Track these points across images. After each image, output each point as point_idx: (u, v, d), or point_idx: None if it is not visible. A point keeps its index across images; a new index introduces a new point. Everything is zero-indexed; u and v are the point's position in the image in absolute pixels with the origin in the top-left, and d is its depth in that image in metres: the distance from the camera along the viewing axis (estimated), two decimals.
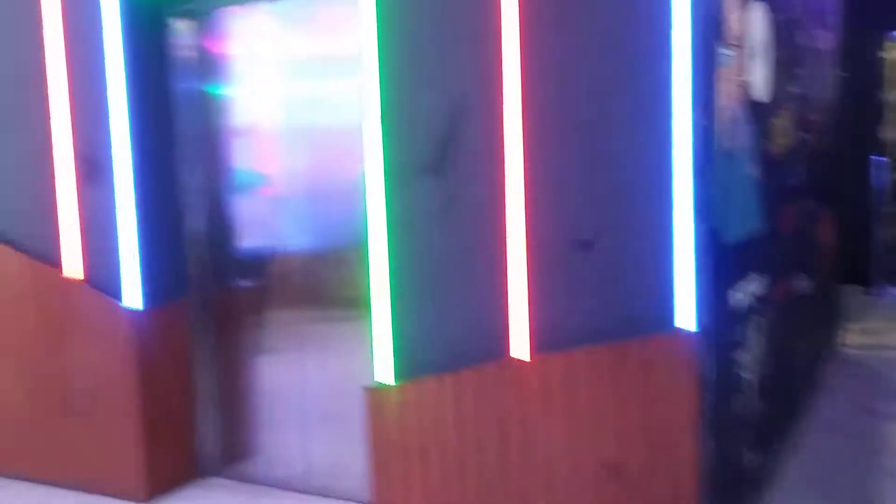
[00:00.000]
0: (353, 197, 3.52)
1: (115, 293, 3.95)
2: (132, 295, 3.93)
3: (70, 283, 4.06)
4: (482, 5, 3.06)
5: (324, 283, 3.95)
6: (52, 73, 4.00)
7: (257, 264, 4.11)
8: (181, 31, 4.02)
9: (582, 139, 3.02)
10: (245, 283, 4.15)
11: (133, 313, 3.91)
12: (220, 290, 4.17)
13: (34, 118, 4.06)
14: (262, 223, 4.10)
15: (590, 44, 2.97)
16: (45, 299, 4.14)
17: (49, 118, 4.01)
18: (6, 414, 4.32)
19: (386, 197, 3.25)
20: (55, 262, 4.10)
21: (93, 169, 3.98)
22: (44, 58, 3.99)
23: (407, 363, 3.34)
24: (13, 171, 4.24)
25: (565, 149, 3.03)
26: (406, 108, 3.20)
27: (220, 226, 4.15)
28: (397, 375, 3.34)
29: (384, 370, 3.36)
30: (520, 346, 3.14)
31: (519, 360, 3.15)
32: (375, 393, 3.41)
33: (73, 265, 4.08)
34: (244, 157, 4.13)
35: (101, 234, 4.00)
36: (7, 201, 4.30)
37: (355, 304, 3.61)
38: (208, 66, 4.07)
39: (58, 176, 4.06)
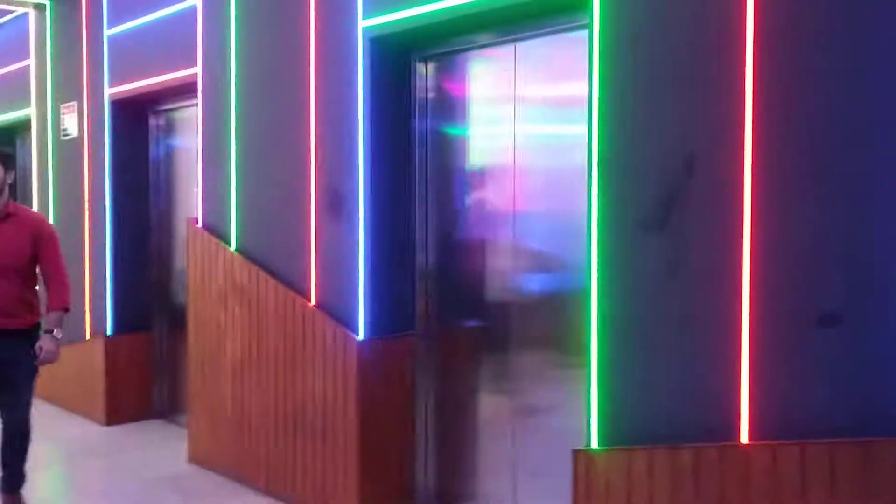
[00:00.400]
0: (584, 243, 3.35)
1: (346, 322, 4.11)
2: (360, 325, 4.06)
3: (309, 309, 4.28)
4: (717, 48, 2.76)
5: (549, 329, 3.81)
6: (308, 113, 4.27)
7: (484, 304, 4.07)
8: (423, 72, 4.10)
9: (829, 196, 2.61)
10: (470, 321, 4.12)
11: (360, 343, 4.03)
12: (445, 327, 4.18)
13: (293, 153, 4.35)
14: (492, 263, 4.05)
15: (843, 92, 2.56)
16: (289, 323, 4.41)
17: (307, 154, 4.28)
18: (248, 425, 4.66)
19: (604, 251, 3.04)
20: (301, 290, 4.35)
21: (335, 202, 4.18)
22: (307, 98, 4.27)
23: (618, 429, 3.09)
24: (275, 201, 4.58)
25: (808, 208, 2.63)
26: (628, 158, 2.97)
27: (449, 264, 4.17)
28: (606, 440, 3.11)
29: (593, 432, 3.14)
30: (746, 429, 2.78)
31: (745, 446, 2.79)
32: (583, 455, 3.19)
33: (313, 293, 4.31)
34: (478, 197, 4.11)
35: (337, 265, 4.18)
36: (267, 228, 4.66)
37: (578, 353, 3.42)
38: (447, 106, 4.11)
39: (309, 208, 4.31)
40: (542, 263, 3.86)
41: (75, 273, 6.51)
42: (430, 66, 4.09)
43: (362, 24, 3.96)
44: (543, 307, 3.83)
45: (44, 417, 6.39)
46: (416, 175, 4.15)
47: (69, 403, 6.43)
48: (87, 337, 6.26)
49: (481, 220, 4.07)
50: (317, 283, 4.31)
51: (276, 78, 4.54)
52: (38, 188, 6.87)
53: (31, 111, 6.88)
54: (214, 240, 4.93)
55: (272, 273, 4.55)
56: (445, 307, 4.18)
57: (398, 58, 4.05)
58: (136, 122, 5.99)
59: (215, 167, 4.97)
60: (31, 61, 6.84)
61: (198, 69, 5.03)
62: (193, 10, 5.01)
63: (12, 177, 4.10)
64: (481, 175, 4.07)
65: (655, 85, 2.90)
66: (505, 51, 3.82)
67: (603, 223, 3.03)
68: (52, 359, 4.04)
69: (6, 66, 7.38)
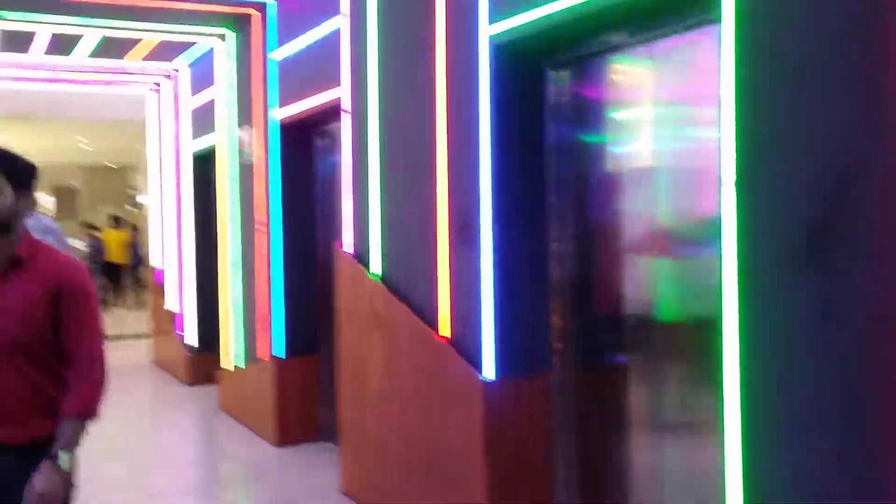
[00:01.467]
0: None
1: (473, 359, 3.74)
2: (488, 363, 3.67)
3: (438, 343, 3.97)
4: (882, 36, 2.09)
5: (700, 364, 3.21)
6: (438, 130, 3.97)
7: (629, 336, 3.53)
8: (554, 79, 3.65)
9: None
10: (611, 356, 3.60)
11: (486, 384, 3.64)
12: (584, 365, 3.68)
13: (424, 173, 4.07)
14: (636, 287, 3.51)
15: None
16: (419, 356, 4.12)
17: (436, 173, 3.98)
18: (388, 460, 4.42)
19: (742, 290, 2.43)
20: (431, 321, 4.06)
21: (464, 227, 3.83)
22: (436, 114, 3.97)
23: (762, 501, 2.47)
24: (408, 225, 4.33)
25: None
26: (769, 174, 2.35)
27: (588, 289, 3.67)
28: None
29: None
30: None
31: None
32: None
33: (443, 326, 3.99)
34: (619, 211, 3.58)
35: (466, 296, 3.83)
36: (402, 254, 4.42)
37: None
38: (580, 113, 3.63)
39: (438, 234, 4.01)
40: (695, 286, 3.26)
41: (251, 296, 6.67)
42: (561, 72, 3.62)
43: (487, 30, 3.59)
44: (699, 336, 3.23)
45: (226, 433, 6.67)
46: (549, 191, 3.70)
47: (249, 421, 6.60)
48: (262, 357, 6.37)
49: (623, 237, 3.53)
50: (445, 315, 3.98)
51: (407, 96, 4.29)
52: (221, 215, 7.14)
53: (217, 138, 7.18)
54: (357, 265, 4.76)
55: (406, 301, 4.29)
56: (584, 341, 3.68)
57: (526, 65, 3.62)
58: (302, 144, 6.00)
59: (358, 189, 4.81)
60: (217, 90, 7.14)
61: (343, 90, 4.91)
62: (346, 27, 4.89)
63: (30, 204, 2.65)
64: (622, 185, 3.54)
65: (805, 82, 2.27)
66: (643, 51, 3.28)
67: (740, 255, 2.43)
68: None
69: (202, 97, 7.78)
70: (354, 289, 4.82)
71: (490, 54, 3.58)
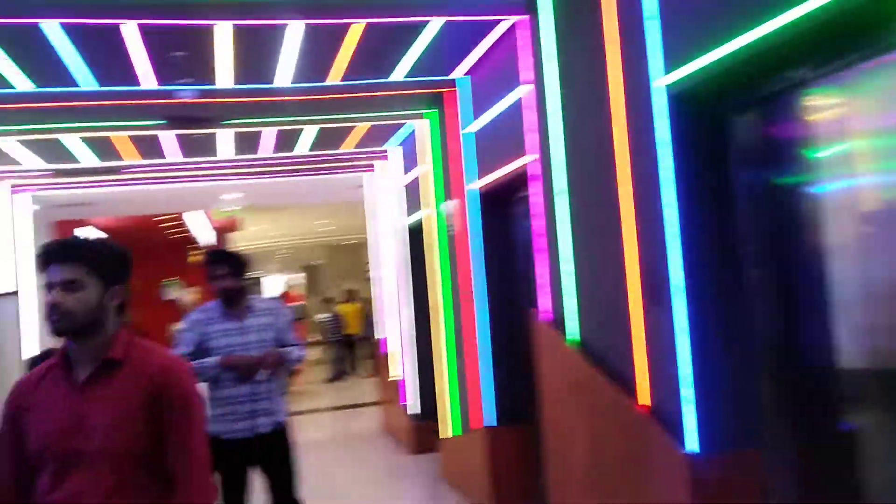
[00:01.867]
0: None
1: (676, 429, 3.48)
2: (692, 434, 3.40)
3: (637, 413, 3.75)
4: None
5: None
6: (621, 187, 3.84)
7: (850, 398, 3.12)
8: (739, 122, 3.39)
9: None
10: (834, 422, 3.19)
11: (692, 456, 3.36)
12: (803, 435, 3.29)
13: (612, 231, 3.94)
14: (858, 344, 3.10)
15: None
16: (619, 425, 3.92)
17: (623, 231, 3.84)
18: None
19: None
20: (629, 389, 3.86)
21: (654, 287, 3.63)
22: (618, 169, 3.85)
23: None
24: (600, 289, 4.19)
25: None
26: None
27: (800, 350, 3.30)
28: None
29: None
30: None
31: None
32: None
33: (642, 394, 3.78)
34: (829, 260, 3.21)
35: (663, 361, 3.60)
36: (597, 318, 4.27)
37: None
38: (773, 155, 3.33)
39: (630, 296, 3.84)
40: None
41: (462, 363, 6.75)
42: (745, 115, 3.36)
43: (661, 81, 3.44)
44: None
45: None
46: (744, 241, 3.41)
47: (468, 491, 6.61)
48: (475, 426, 6.39)
49: (835, 286, 3.14)
50: (643, 381, 3.76)
51: (589, 157, 4.21)
52: (432, 285, 7.34)
53: (426, 211, 7.44)
54: (553, 332, 4.66)
55: (604, 367, 4.11)
56: (801, 406, 3.30)
57: (706, 111, 3.41)
58: (501, 212, 6.05)
59: (550, 254, 4.74)
60: (424, 166, 7.43)
61: (530, 156, 4.91)
62: (528, 96, 4.93)
63: (116, 294, 2.31)
64: (828, 228, 3.17)
65: None
66: (834, 80, 2.97)
67: None
68: None
69: (413, 174, 8.14)
70: (552, 356, 4.72)
71: (667, 105, 3.42)
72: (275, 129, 7.26)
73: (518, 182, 5.31)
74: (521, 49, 4.95)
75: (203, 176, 9.29)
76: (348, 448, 9.67)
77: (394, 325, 9.34)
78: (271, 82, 5.72)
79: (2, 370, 6.99)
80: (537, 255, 4.92)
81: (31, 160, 7.61)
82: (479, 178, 5.95)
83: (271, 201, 13.06)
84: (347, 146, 8.40)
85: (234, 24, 4.55)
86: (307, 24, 4.70)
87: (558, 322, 4.67)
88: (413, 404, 8.67)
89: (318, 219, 20.59)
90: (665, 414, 3.57)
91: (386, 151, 8.94)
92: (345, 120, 7.11)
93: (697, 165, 3.41)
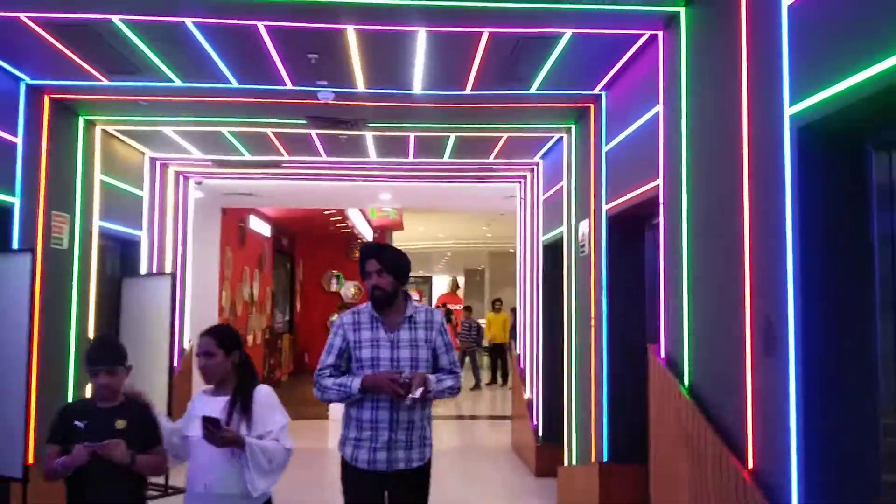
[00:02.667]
0: None
1: (782, 495, 3.07)
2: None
3: (742, 477, 3.35)
4: None
5: None
6: (743, 223, 3.45)
7: None
8: (881, 158, 2.93)
9: None
10: None
11: None
12: None
13: (731, 272, 3.56)
14: None
15: None
16: (723, 486, 3.53)
17: (741, 272, 3.45)
18: None
19: None
20: (737, 448, 3.46)
21: (768, 335, 3.23)
22: (740, 206, 3.47)
23: None
24: (716, 333, 3.80)
25: None
26: None
27: None
28: None
29: None
30: None
31: None
32: None
33: (749, 455, 3.38)
34: None
35: (771, 419, 3.19)
36: (710, 366, 3.89)
37: None
38: None
39: (746, 343, 3.44)
40: None
41: (584, 391, 6.46)
42: (890, 151, 2.90)
43: (788, 111, 3.04)
44: None
45: None
46: (878, 292, 2.95)
47: None
48: (591, 459, 6.07)
49: None
50: (753, 442, 3.36)
51: (714, 188, 3.83)
52: (565, 306, 7.06)
53: (563, 229, 7.18)
54: (668, 374, 4.30)
55: (714, 420, 3.73)
56: None
57: (839, 146, 2.97)
58: (630, 237, 5.69)
59: (670, 288, 4.38)
60: (563, 182, 7.17)
61: (660, 181, 4.56)
62: (662, 117, 4.59)
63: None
64: None
65: None
66: None
67: None
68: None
69: (553, 189, 7.89)
70: (664, 399, 4.35)
71: (792, 137, 3.02)
72: (418, 133, 7.25)
73: (647, 208, 4.96)
74: (659, 67, 4.61)
75: (354, 175, 9.49)
76: (475, 461, 9.54)
77: (529, 342, 9.12)
78: (408, 88, 5.68)
79: (153, 343, 7.43)
80: (662, 288, 4.56)
81: (194, 151, 8.05)
82: (609, 201, 5.63)
83: (423, 204, 13.17)
84: (497, 155, 8.26)
85: (357, 28, 4.52)
86: (429, 32, 4.59)
87: (674, 364, 4.31)
88: (539, 425, 8.41)
89: (485, 223, 20.66)
90: (770, 480, 3.17)
91: (536, 164, 8.73)
92: (487, 129, 6.99)
93: (825, 205, 2.98)
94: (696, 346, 4.05)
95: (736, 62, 3.50)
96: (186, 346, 9.71)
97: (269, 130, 7.07)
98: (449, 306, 31.97)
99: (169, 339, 7.39)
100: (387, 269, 3.70)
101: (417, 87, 5.66)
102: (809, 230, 2.98)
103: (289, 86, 5.62)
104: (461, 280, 37.69)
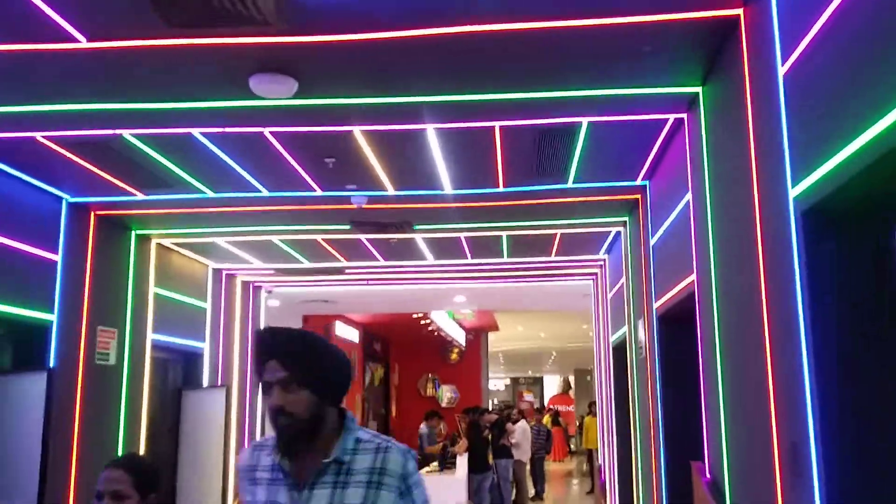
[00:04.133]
0: None
1: None
2: None
3: None
4: None
5: None
6: (763, 322, 2.98)
7: None
8: None
9: None
10: None
11: None
12: None
13: (756, 381, 3.07)
14: None
15: None
16: None
17: (765, 385, 2.96)
18: None
19: None
20: None
21: (793, 453, 2.71)
22: (758, 300, 3.01)
23: None
24: (749, 449, 3.27)
25: None
26: None
27: None
28: None
29: None
30: None
31: None
32: None
33: None
34: None
35: None
36: (746, 486, 3.33)
37: None
38: None
39: (772, 466, 2.92)
40: None
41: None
42: None
43: (792, 193, 2.62)
44: None
45: None
46: None
47: None
48: None
49: None
50: None
51: (737, 283, 3.37)
52: (632, 415, 6.51)
53: (625, 329, 6.70)
54: (707, 498, 3.74)
55: None
56: None
57: (852, 229, 2.51)
58: (678, 336, 5.16)
59: (712, 403, 3.86)
60: (623, 279, 6.73)
61: (694, 276, 4.11)
62: (692, 205, 4.18)
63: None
64: None
65: None
66: None
67: None
68: None
69: (616, 285, 7.44)
70: None
71: (797, 222, 2.58)
72: (466, 234, 7.02)
73: (689, 306, 4.48)
74: (686, 152, 4.24)
75: (424, 279, 9.31)
76: None
77: (608, 453, 8.48)
78: (438, 188, 5.49)
79: (206, 456, 7.30)
80: (703, 401, 4.05)
81: (254, 260, 8.08)
82: (658, 298, 5.16)
83: (500, 305, 12.81)
84: (557, 252, 7.91)
85: (364, 129, 4.38)
86: (438, 130, 4.40)
87: (717, 485, 3.76)
88: None
89: (584, 322, 20.03)
90: None
91: (603, 260, 8.32)
92: (536, 227, 6.68)
93: (842, 300, 2.50)
94: (735, 464, 3.51)
95: (745, 142, 3.11)
96: None
97: (318, 237, 7.01)
98: (558, 408, 30.99)
99: (223, 453, 7.23)
100: (300, 377, 2.07)
101: (447, 186, 5.45)
102: (826, 328, 2.50)
103: (318, 192, 5.52)
104: (572, 380, 36.56)
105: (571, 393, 34.87)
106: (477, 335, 20.17)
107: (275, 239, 7.05)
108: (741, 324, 3.32)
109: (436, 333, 17.14)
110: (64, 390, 5.62)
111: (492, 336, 21.65)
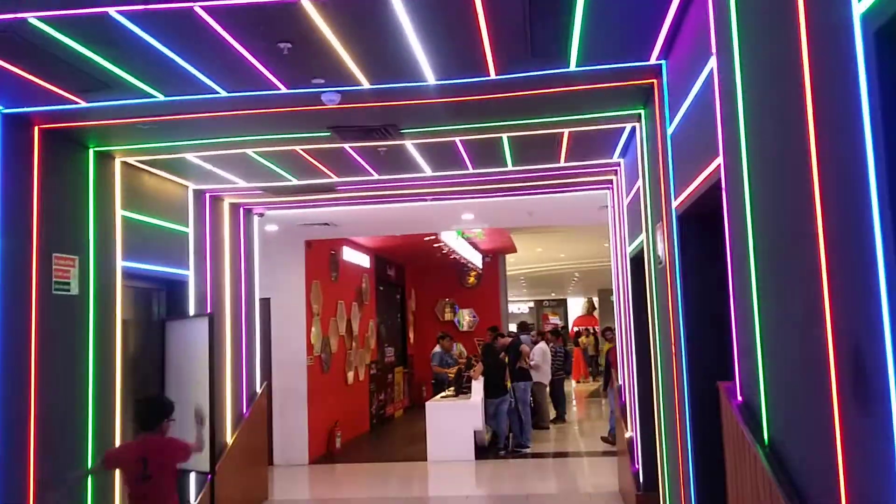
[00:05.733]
0: None
1: None
2: None
3: None
4: None
5: None
6: (814, 187, 2.27)
7: None
8: None
9: None
10: None
11: None
12: None
13: (805, 276, 2.38)
14: None
15: None
16: None
17: (818, 282, 2.26)
18: None
19: None
20: None
21: (855, 373, 2.04)
22: (805, 153, 2.29)
23: None
24: (794, 367, 2.60)
25: None
26: None
27: None
28: None
29: None
30: None
31: None
32: None
33: None
34: None
35: (867, 489, 1.99)
36: (790, 413, 2.68)
37: None
38: None
39: (828, 380, 2.25)
40: None
41: (671, 433, 5.22)
42: None
43: (858, 9, 1.87)
44: None
45: None
46: None
47: None
48: None
49: None
50: None
51: (771, 151, 2.63)
52: (652, 332, 5.85)
53: (642, 238, 5.99)
54: (738, 423, 3.09)
55: (794, 489, 2.52)
56: None
57: None
58: (706, 240, 4.46)
59: (743, 310, 3.18)
60: (639, 181, 5.99)
61: (720, 159, 3.38)
62: (717, 73, 3.41)
63: None
64: None
65: None
66: None
67: None
68: None
69: (633, 189, 6.69)
70: (738, 454, 3.15)
71: (867, 47, 1.84)
72: (463, 138, 6.28)
73: (712, 200, 3.76)
74: (709, 11, 3.46)
75: (427, 195, 8.61)
76: None
77: (627, 374, 7.88)
78: (420, 79, 4.74)
79: (194, 389, 6.79)
80: (732, 309, 3.37)
81: (236, 179, 7.42)
82: (677, 196, 4.43)
83: (511, 222, 12.07)
84: (567, 157, 7.15)
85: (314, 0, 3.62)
86: None
87: (751, 409, 3.11)
88: (641, 471, 7.15)
89: (605, 240, 19.33)
90: None
91: (618, 164, 7.55)
92: (539, 125, 5.92)
93: None
94: (773, 385, 2.84)
95: None
96: (258, 390, 9.09)
97: (297, 148, 6.30)
98: (580, 328, 30.60)
99: (209, 385, 6.69)
100: None
101: (430, 76, 4.70)
102: None
103: (283, 90, 4.80)
104: (595, 301, 36.05)
105: (596, 314, 34.44)
106: (494, 258, 19.55)
107: (250, 152, 6.36)
108: (779, 200, 2.60)
109: (450, 257, 16.53)
110: (15, 322, 5.05)
111: (511, 258, 21.05)
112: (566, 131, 6.16)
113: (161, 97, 4.86)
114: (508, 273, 21.47)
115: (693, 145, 4.02)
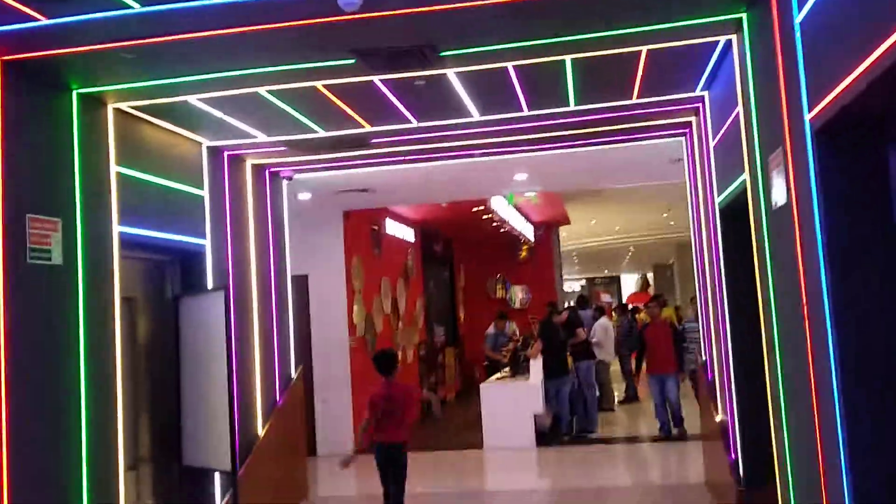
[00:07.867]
0: None
1: None
2: None
3: None
4: None
5: None
6: None
7: None
8: None
9: None
10: None
11: None
12: None
13: None
14: None
15: None
16: None
17: None
18: None
19: None
20: None
21: None
22: None
23: None
24: None
25: None
26: None
27: None
28: None
29: None
30: None
31: None
32: None
33: None
34: None
35: None
36: None
37: None
38: None
39: None
40: None
41: (802, 417, 4.14)
42: None
43: None
44: None
45: None
46: None
47: None
48: None
49: None
50: None
51: None
52: (763, 294, 4.71)
53: (744, 177, 4.82)
54: None
55: None
56: None
57: None
58: (862, 158, 3.29)
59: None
60: (739, 107, 4.80)
61: None
62: None
63: None
64: None
65: None
66: None
67: None
68: None
69: (726, 122, 5.50)
70: None
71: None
72: (517, 63, 5.16)
73: (883, 96, 2.60)
74: None
75: (466, 149, 7.52)
76: None
77: (716, 347, 6.73)
78: None
79: (212, 370, 5.85)
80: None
81: (255, 132, 6.43)
82: (814, 104, 3.27)
83: (569, 183, 10.88)
84: (640, 90, 5.99)
85: None
86: None
87: None
88: (742, 462, 6.02)
89: (664, 210, 18.08)
90: None
91: (701, 98, 6.35)
92: (611, 40, 4.76)
93: None
94: None
95: None
96: (293, 374, 8.16)
97: (318, 84, 5.26)
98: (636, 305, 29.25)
99: (227, 369, 5.73)
100: None
101: None
102: None
103: None
104: (650, 277, 34.67)
105: (650, 290, 33.12)
106: (547, 230, 18.40)
107: (262, 91, 5.34)
108: None
109: (501, 229, 15.44)
110: None
111: (563, 232, 19.89)
112: (644, 49, 5.00)
113: (137, 6, 3.85)
114: (560, 249, 20.34)
115: (844, 29, 2.84)
